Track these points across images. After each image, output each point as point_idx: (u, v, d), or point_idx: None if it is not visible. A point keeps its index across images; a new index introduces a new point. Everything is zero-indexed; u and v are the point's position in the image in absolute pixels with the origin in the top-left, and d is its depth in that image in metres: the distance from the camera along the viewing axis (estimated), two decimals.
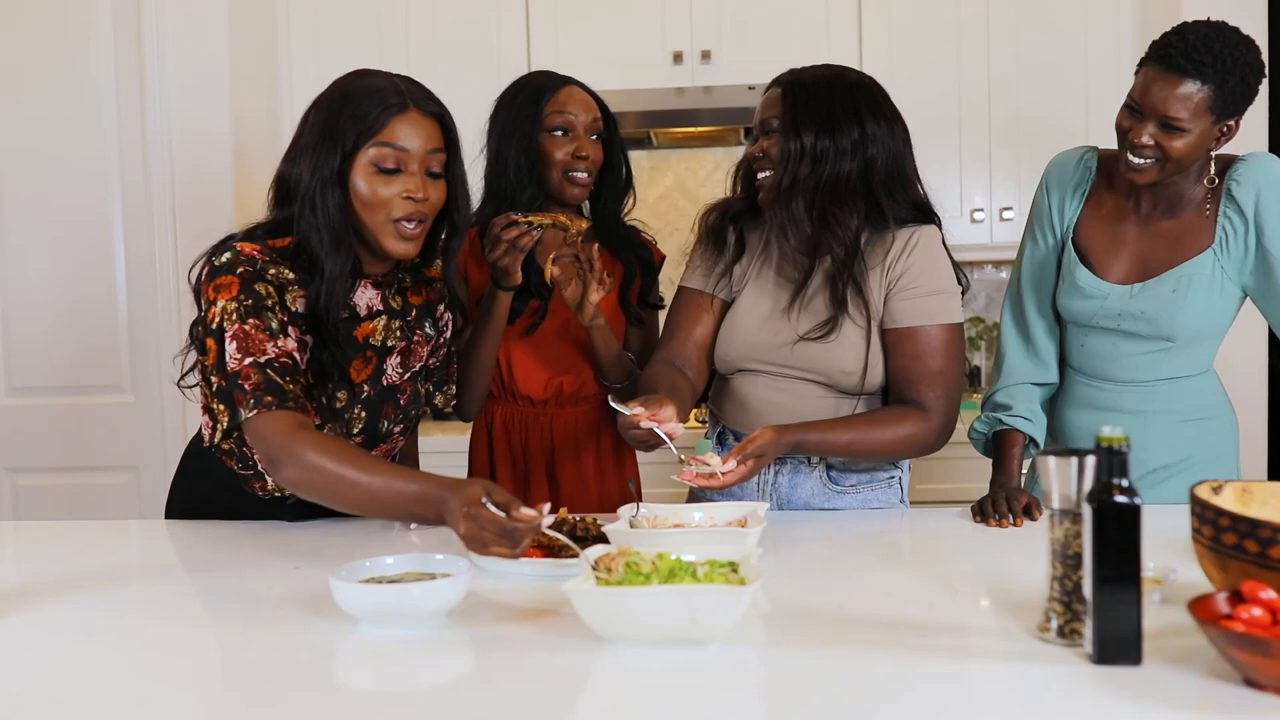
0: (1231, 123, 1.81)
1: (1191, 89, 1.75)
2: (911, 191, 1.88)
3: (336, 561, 1.40)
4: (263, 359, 1.58)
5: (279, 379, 1.57)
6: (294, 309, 1.65)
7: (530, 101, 2.10)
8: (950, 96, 3.31)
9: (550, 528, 1.62)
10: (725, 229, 1.96)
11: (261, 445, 1.57)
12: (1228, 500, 1.33)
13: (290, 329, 1.62)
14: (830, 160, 1.79)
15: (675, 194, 3.73)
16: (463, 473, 2.30)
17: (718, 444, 1.99)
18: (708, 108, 3.21)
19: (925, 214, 1.89)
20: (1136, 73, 1.84)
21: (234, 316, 1.59)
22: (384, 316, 1.76)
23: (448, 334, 1.92)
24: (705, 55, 3.30)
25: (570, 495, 2.16)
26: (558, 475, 2.18)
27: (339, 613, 1.33)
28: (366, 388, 1.75)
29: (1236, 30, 1.82)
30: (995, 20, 3.29)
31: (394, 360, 1.78)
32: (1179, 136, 1.77)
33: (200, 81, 3.20)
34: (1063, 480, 1.18)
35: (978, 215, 3.34)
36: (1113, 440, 1.13)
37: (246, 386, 1.57)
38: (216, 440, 1.68)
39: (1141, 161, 1.81)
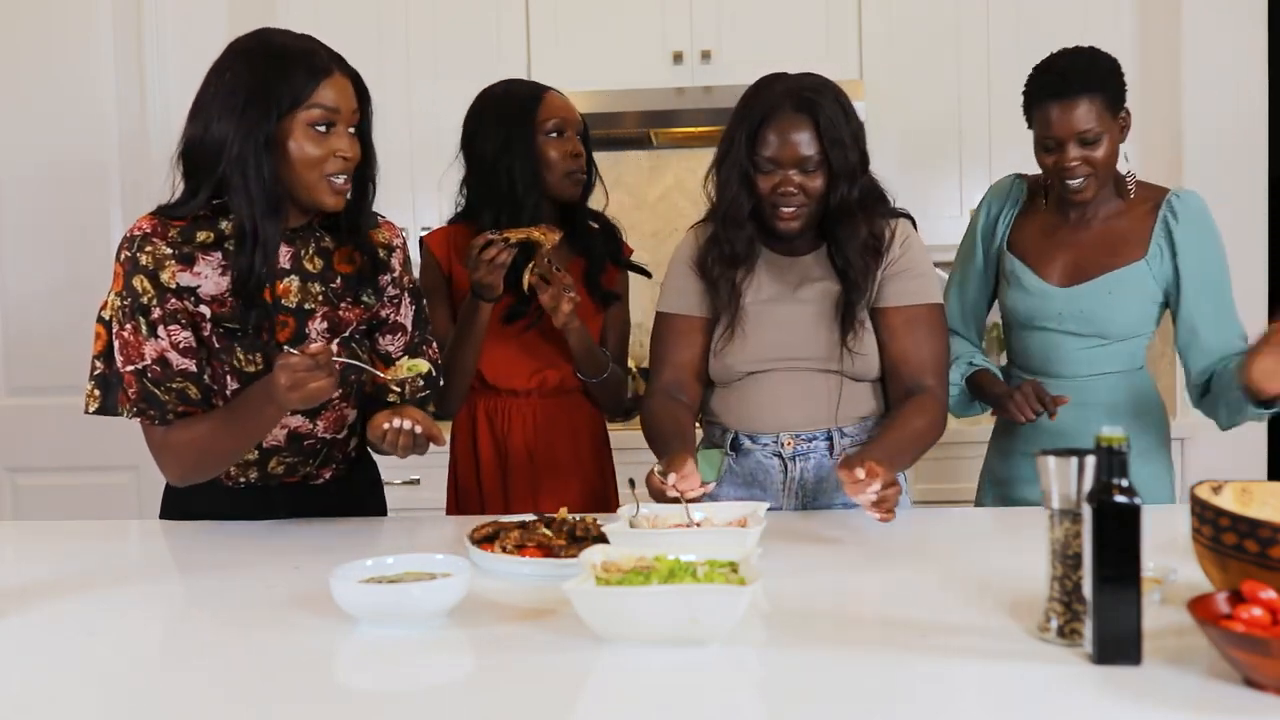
0: (1124, 113, 2.04)
1: (1086, 104, 1.98)
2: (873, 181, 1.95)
3: (336, 561, 1.40)
4: (140, 365, 1.69)
5: (154, 389, 1.70)
6: (174, 286, 1.69)
7: (526, 109, 2.15)
8: (950, 96, 3.31)
9: (549, 527, 1.63)
10: (734, 276, 1.93)
11: (149, 446, 1.76)
12: (1228, 500, 1.33)
13: (163, 327, 1.69)
14: (861, 170, 1.86)
15: (675, 194, 3.73)
16: (445, 467, 2.33)
17: (730, 450, 1.98)
18: (708, 108, 3.21)
19: (884, 200, 1.95)
20: (1030, 117, 2.05)
21: (120, 316, 1.70)
22: (296, 278, 1.76)
23: (401, 316, 1.89)
24: (705, 55, 3.30)
25: (552, 484, 2.19)
26: (539, 464, 2.21)
27: (339, 613, 1.33)
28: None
29: (1080, 46, 2.09)
30: (995, 20, 3.28)
31: (318, 325, 1.77)
32: (1099, 145, 2.00)
33: (200, 82, 3.20)
34: (1063, 480, 1.18)
35: None
36: (1113, 440, 1.14)
37: (130, 392, 1.71)
38: (91, 410, 1.77)
39: (1079, 181, 2.02)
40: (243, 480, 1.86)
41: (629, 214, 3.74)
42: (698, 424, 2.08)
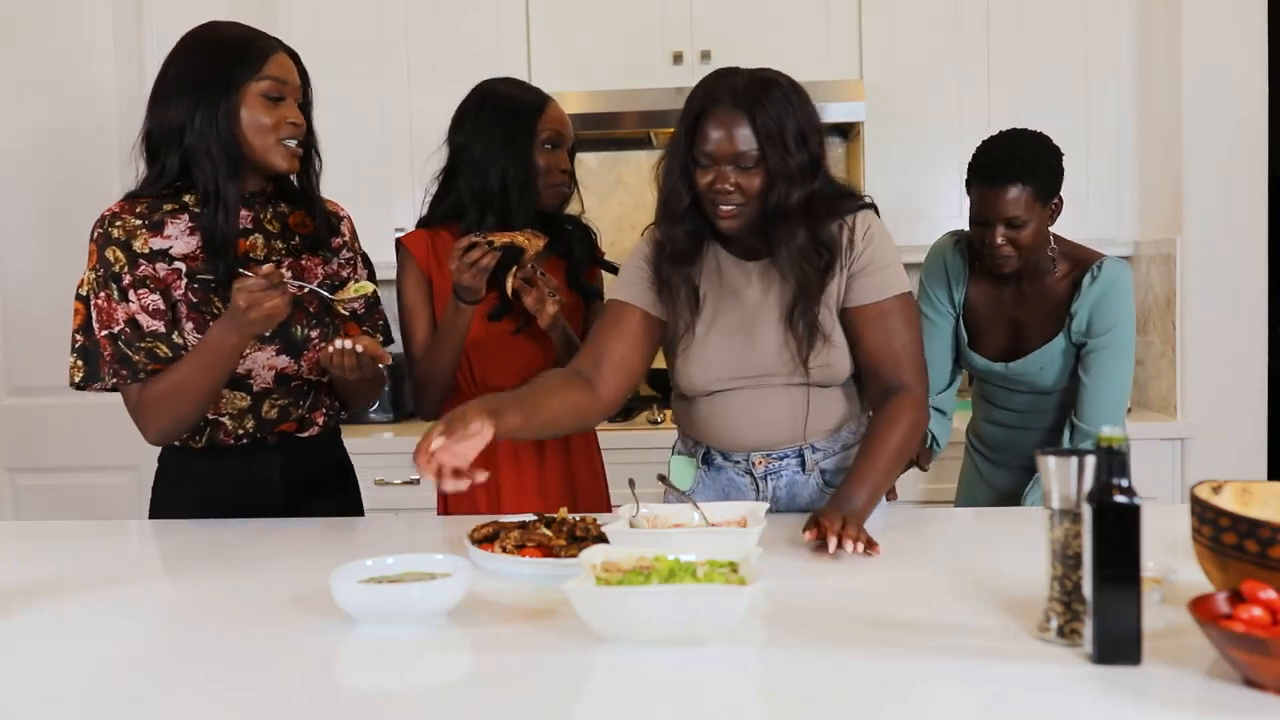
0: (1056, 201, 2.22)
1: (1016, 192, 2.15)
2: (832, 178, 1.85)
3: (336, 561, 1.40)
4: (115, 329, 1.83)
5: (127, 351, 1.83)
6: (146, 251, 1.84)
7: (524, 114, 2.17)
8: (950, 96, 3.31)
9: (549, 527, 1.63)
10: (689, 276, 1.85)
11: (127, 408, 1.88)
12: (1228, 500, 1.33)
13: (134, 292, 1.82)
14: (809, 174, 1.76)
15: None
16: None
17: (703, 463, 1.95)
18: None
19: (852, 196, 1.86)
20: (969, 192, 2.23)
21: (94, 287, 1.84)
22: (259, 235, 1.92)
23: (358, 276, 2.04)
24: (705, 55, 3.30)
25: (540, 482, 2.20)
26: (526, 463, 2.21)
27: (339, 612, 1.33)
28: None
29: (1027, 131, 2.24)
30: (995, 20, 3.29)
31: (284, 274, 1.86)
32: (1024, 229, 2.17)
33: None
34: (1063, 480, 1.18)
35: None
36: (1113, 440, 1.13)
37: (106, 356, 1.84)
38: (76, 381, 1.89)
39: (1004, 259, 2.21)
40: (241, 432, 1.93)
41: (629, 214, 3.74)
42: (668, 426, 2.05)
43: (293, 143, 1.86)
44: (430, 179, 2.24)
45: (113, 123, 3.23)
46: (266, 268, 1.71)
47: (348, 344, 1.81)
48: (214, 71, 1.83)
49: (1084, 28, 3.27)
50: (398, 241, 2.23)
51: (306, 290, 1.88)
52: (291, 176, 1.95)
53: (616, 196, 3.76)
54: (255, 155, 1.86)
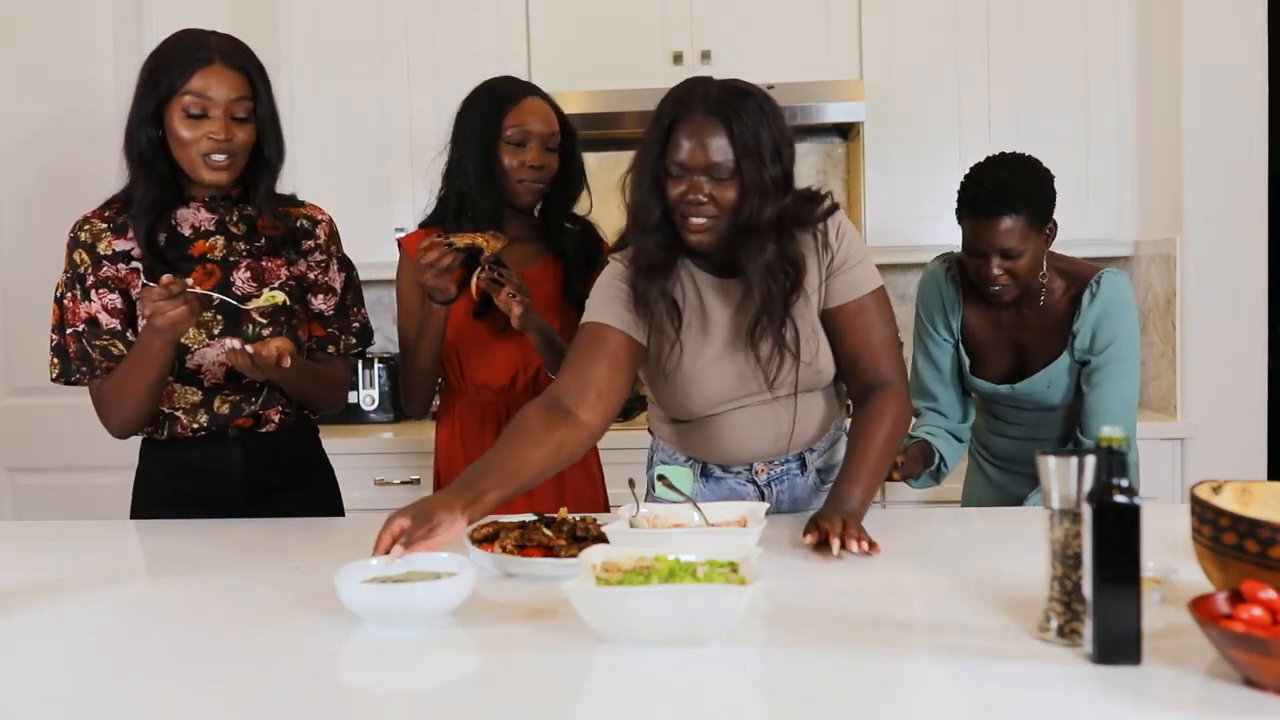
0: (1050, 226, 2.16)
1: (1010, 222, 2.08)
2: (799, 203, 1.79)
3: (337, 561, 1.40)
4: (79, 328, 1.93)
5: (88, 348, 1.93)
6: (110, 253, 1.93)
7: (491, 111, 2.16)
8: (950, 96, 3.31)
9: (549, 527, 1.63)
10: (666, 290, 1.79)
11: (93, 403, 1.97)
12: (1228, 500, 1.33)
13: (95, 292, 1.92)
14: (782, 188, 1.72)
15: None
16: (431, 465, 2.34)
17: (702, 476, 1.95)
18: None
19: (817, 199, 1.82)
20: (961, 222, 2.16)
21: (64, 288, 1.95)
22: (221, 237, 1.97)
23: (330, 278, 2.06)
24: (705, 55, 3.30)
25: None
26: None
27: (341, 612, 1.34)
28: (215, 297, 1.89)
29: (1018, 156, 2.16)
30: (995, 20, 3.29)
31: (242, 274, 1.97)
32: (1020, 258, 2.11)
33: None
34: (1063, 480, 1.18)
35: None
36: (1113, 440, 1.14)
37: (70, 353, 1.95)
38: (53, 376, 1.98)
39: (1000, 289, 2.15)
40: (196, 426, 1.97)
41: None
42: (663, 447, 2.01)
43: (221, 156, 1.87)
44: (434, 179, 2.25)
45: (113, 123, 3.19)
46: (165, 278, 1.74)
47: (235, 344, 1.83)
48: (149, 79, 1.88)
49: (1084, 28, 3.27)
50: (398, 242, 2.25)
51: (216, 300, 1.87)
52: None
53: (616, 197, 3.76)
54: (184, 167, 1.90)
